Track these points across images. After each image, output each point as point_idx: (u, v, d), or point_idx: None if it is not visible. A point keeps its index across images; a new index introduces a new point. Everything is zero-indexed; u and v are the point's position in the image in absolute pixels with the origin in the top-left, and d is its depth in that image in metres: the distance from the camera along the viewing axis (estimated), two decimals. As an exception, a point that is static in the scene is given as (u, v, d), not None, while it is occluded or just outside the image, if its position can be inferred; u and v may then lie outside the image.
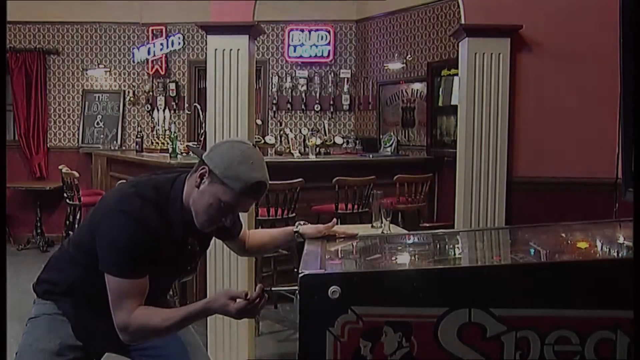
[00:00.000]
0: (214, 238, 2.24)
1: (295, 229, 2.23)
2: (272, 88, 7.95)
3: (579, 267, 1.71)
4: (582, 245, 2.17)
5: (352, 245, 2.22)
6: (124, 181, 2.26)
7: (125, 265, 1.85)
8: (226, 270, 3.36)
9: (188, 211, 1.94)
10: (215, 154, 1.91)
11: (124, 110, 8.10)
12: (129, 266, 1.85)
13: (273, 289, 1.95)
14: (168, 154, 6.06)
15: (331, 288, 1.59)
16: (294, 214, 4.73)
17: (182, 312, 1.89)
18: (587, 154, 3.50)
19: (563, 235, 2.26)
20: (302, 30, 7.91)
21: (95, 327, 2.03)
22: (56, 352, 2.03)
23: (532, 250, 2.09)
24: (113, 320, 1.88)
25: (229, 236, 2.25)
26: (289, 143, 6.69)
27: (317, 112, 7.85)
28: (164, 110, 7.33)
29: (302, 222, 2.26)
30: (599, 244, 2.18)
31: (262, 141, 6.40)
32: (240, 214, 2.12)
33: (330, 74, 7.94)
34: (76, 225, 5.41)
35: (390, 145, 7.16)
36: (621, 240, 2.16)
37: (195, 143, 6.49)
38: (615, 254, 2.01)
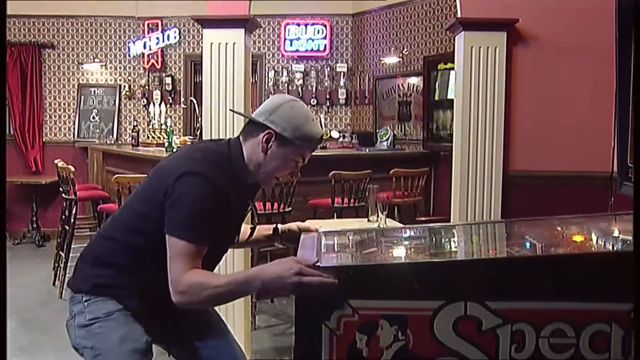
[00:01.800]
0: None
1: (274, 227, 2.30)
2: (268, 82, 7.93)
3: (574, 260, 1.72)
4: (578, 238, 2.18)
5: (349, 239, 2.23)
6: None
7: (194, 230, 1.81)
8: (222, 265, 3.35)
9: (250, 172, 1.97)
10: (277, 116, 1.92)
11: (119, 104, 8.08)
12: (197, 231, 1.81)
13: None
14: (164, 148, 6.06)
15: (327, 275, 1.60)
16: (290, 208, 4.73)
17: (233, 275, 1.91)
18: (582, 148, 3.51)
19: (558, 228, 2.27)
20: (299, 24, 7.90)
21: (161, 313, 1.98)
22: (144, 351, 1.98)
23: (528, 244, 2.10)
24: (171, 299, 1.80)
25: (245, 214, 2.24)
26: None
27: (314, 106, 7.84)
28: (159, 105, 7.32)
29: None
30: (594, 237, 2.19)
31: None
32: None
33: (327, 67, 7.93)
34: (72, 220, 5.39)
35: (387, 140, 7.16)
36: (616, 233, 2.17)
37: (192, 137, 6.48)
38: (611, 247, 2.01)
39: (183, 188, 1.83)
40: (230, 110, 2.72)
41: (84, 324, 1.97)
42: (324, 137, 6.73)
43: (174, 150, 5.69)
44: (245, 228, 2.25)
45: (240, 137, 2.00)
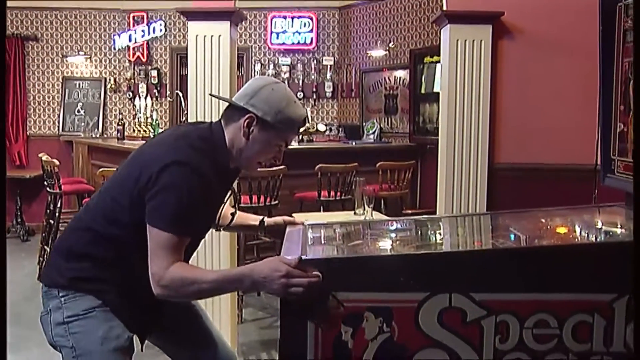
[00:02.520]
0: None
1: (261, 219, 2.29)
2: (254, 75, 7.90)
3: (558, 252, 1.73)
4: (562, 230, 2.20)
5: (335, 231, 2.23)
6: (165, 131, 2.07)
7: (177, 221, 1.76)
8: (208, 257, 3.35)
9: (232, 157, 1.94)
10: (260, 100, 1.88)
11: (105, 97, 8.02)
12: (181, 222, 1.77)
13: None
14: (150, 142, 6.01)
15: (313, 273, 1.60)
16: (276, 202, 4.73)
17: (222, 272, 1.88)
18: (567, 141, 3.53)
19: (543, 220, 2.28)
20: (285, 17, 7.88)
21: (141, 306, 1.92)
22: (126, 348, 1.92)
23: (513, 236, 2.12)
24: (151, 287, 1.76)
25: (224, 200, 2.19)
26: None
27: (300, 99, 7.82)
28: (145, 98, 7.27)
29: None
30: (577, 229, 2.21)
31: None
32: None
33: (313, 61, 7.92)
34: (57, 214, 5.35)
35: (373, 133, 7.17)
36: (600, 225, 2.19)
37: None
38: (594, 239, 2.03)
39: (169, 179, 1.77)
40: (210, 94, 2.67)
41: (61, 321, 1.89)
42: (310, 130, 6.73)
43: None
44: (226, 211, 2.19)
45: (222, 121, 1.95)
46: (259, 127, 1.89)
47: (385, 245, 2.17)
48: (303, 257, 1.66)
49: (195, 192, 1.78)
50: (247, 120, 1.88)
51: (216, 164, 1.88)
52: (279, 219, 2.28)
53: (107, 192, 1.97)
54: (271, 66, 7.90)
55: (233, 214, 2.22)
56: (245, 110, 1.88)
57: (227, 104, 2.01)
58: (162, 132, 2.16)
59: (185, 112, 5.38)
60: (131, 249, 1.84)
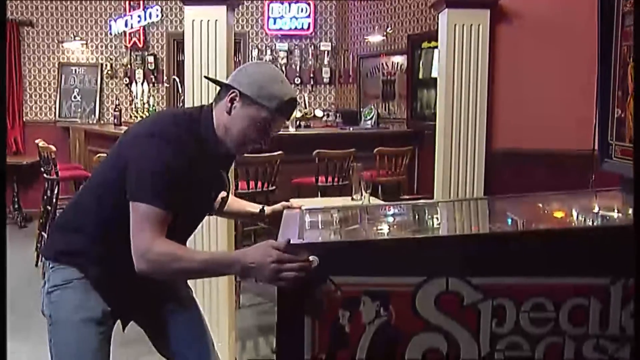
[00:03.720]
0: None
1: (261, 208, 2.29)
2: (251, 61, 7.87)
3: (555, 236, 1.73)
4: (559, 214, 2.20)
5: (332, 216, 2.23)
6: (101, 155, 2.15)
7: (157, 193, 1.75)
8: (205, 243, 3.35)
9: (220, 138, 1.90)
10: (243, 76, 1.88)
11: (101, 83, 7.99)
12: (161, 193, 1.75)
13: None
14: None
15: (310, 257, 1.60)
16: (274, 187, 4.73)
17: (212, 254, 1.84)
18: (564, 126, 3.52)
19: (540, 205, 2.28)
20: (282, 2, 7.84)
21: (124, 285, 1.91)
22: (99, 320, 1.91)
23: (510, 220, 2.12)
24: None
25: (223, 189, 2.17)
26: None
27: (297, 85, 7.80)
28: (142, 84, 7.26)
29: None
30: (574, 213, 2.21)
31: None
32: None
33: (311, 46, 7.89)
34: (54, 200, 5.34)
35: (371, 118, 7.15)
36: (596, 209, 2.19)
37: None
38: (591, 223, 2.03)
39: (142, 150, 1.79)
40: (205, 77, 2.64)
41: (47, 291, 1.94)
42: (308, 116, 6.72)
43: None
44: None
45: (213, 104, 1.94)
46: (241, 103, 1.86)
47: (383, 229, 2.17)
48: (300, 241, 1.66)
49: (171, 164, 1.76)
50: (230, 96, 1.87)
51: (201, 143, 1.87)
52: (278, 206, 2.27)
53: (100, 169, 2.01)
54: (268, 52, 7.87)
55: (224, 199, 2.18)
56: (229, 87, 1.88)
57: (214, 82, 2.01)
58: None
59: (182, 97, 5.37)
60: (120, 226, 1.81)
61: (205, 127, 1.90)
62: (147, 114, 6.53)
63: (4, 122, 7.17)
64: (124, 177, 1.80)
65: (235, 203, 2.30)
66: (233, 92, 1.86)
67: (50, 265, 1.96)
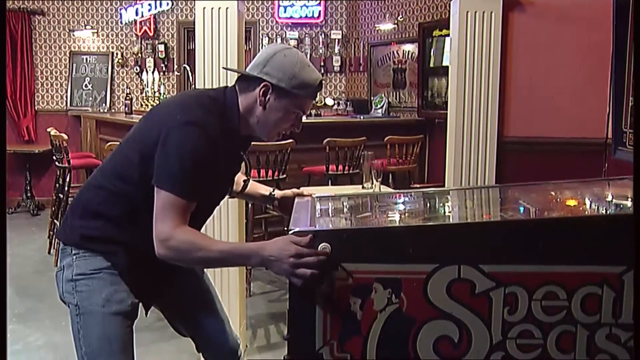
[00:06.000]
0: None
1: (271, 190, 2.32)
2: (262, 49, 7.85)
3: (567, 224, 1.72)
4: (571, 203, 2.18)
5: (343, 204, 2.23)
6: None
7: (185, 184, 1.76)
8: (217, 231, 3.36)
9: (245, 124, 1.91)
10: (273, 67, 1.86)
11: (112, 72, 8.00)
12: (188, 185, 1.76)
13: None
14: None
15: (321, 245, 1.60)
16: (284, 175, 4.73)
17: (232, 244, 1.84)
18: (577, 114, 3.50)
19: (552, 193, 2.27)
20: (292, -10, 7.81)
21: (148, 269, 1.92)
22: (127, 313, 1.93)
23: (522, 208, 2.11)
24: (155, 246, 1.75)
25: (239, 170, 2.20)
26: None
27: (308, 73, 7.77)
28: (152, 72, 7.26)
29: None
30: (587, 201, 2.20)
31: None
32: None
33: (321, 35, 7.86)
34: (66, 189, 5.37)
35: (381, 107, 7.13)
36: (610, 198, 2.18)
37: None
38: (604, 211, 2.02)
39: (176, 138, 1.76)
40: (223, 68, 2.65)
41: (71, 278, 1.92)
42: (319, 105, 6.71)
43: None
44: (239, 178, 2.21)
45: (236, 88, 1.93)
46: (274, 95, 1.86)
47: (394, 217, 2.17)
48: (312, 228, 1.66)
49: (201, 153, 1.77)
50: (262, 89, 1.86)
51: (225, 126, 1.87)
52: (288, 191, 2.28)
53: (119, 151, 1.98)
54: (279, 40, 7.85)
55: (245, 181, 2.21)
56: (259, 79, 1.86)
57: (236, 76, 2.00)
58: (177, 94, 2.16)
59: (193, 86, 5.37)
60: (141, 209, 1.82)
61: (231, 113, 1.89)
62: (158, 102, 6.53)
63: (4, 99, 7.19)
64: (149, 159, 1.80)
65: (249, 185, 2.32)
66: (265, 84, 1.86)
67: (74, 252, 1.93)
